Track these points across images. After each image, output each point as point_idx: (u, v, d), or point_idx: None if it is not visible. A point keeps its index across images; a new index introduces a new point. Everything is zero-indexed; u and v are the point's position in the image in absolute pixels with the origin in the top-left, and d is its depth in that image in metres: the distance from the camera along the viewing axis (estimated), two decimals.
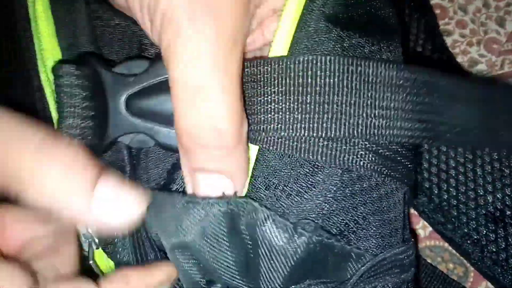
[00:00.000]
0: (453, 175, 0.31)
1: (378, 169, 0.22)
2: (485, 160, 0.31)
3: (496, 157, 0.31)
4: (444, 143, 0.24)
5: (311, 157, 0.21)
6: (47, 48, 0.24)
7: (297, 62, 0.20)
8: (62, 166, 0.18)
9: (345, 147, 0.21)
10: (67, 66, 0.21)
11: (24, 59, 0.26)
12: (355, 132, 0.21)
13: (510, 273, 0.30)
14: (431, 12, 0.37)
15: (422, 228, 0.34)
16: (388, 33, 0.23)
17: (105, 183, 0.19)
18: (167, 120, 0.21)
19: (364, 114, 0.20)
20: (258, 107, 0.21)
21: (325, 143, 0.21)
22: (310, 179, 0.22)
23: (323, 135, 0.21)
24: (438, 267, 0.32)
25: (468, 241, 0.31)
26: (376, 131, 0.21)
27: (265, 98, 0.21)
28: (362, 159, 0.21)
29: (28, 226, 0.21)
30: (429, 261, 0.32)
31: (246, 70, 0.21)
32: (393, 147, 0.22)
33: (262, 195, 0.22)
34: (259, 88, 0.21)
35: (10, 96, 0.26)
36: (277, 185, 0.22)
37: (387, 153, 0.22)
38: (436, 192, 0.31)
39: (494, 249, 0.30)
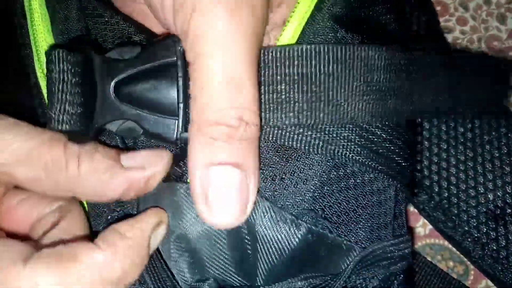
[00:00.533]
0: (454, 173, 0.31)
1: (368, 163, 0.22)
2: (486, 157, 0.31)
3: (497, 154, 0.31)
4: (421, 115, 0.25)
5: (304, 148, 0.21)
6: (43, 44, 0.23)
7: (297, 51, 0.20)
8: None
9: (336, 140, 0.21)
10: (59, 51, 0.20)
11: (21, 56, 0.26)
12: (355, 119, 0.21)
13: (510, 271, 0.30)
14: (431, 9, 0.36)
15: (422, 226, 0.34)
16: (388, 38, 0.24)
17: (126, 154, 0.21)
18: (156, 107, 0.21)
19: (362, 97, 0.21)
20: (261, 95, 0.21)
21: (317, 134, 0.21)
22: (305, 172, 0.22)
23: (323, 123, 0.21)
24: (438, 265, 0.32)
25: (469, 239, 0.30)
26: (372, 115, 0.21)
27: (267, 87, 0.21)
28: (352, 153, 0.22)
29: (34, 206, 0.21)
30: (429, 259, 0.32)
31: None
32: (385, 144, 0.23)
33: (260, 187, 0.22)
34: (264, 76, 0.21)
35: (6, 92, 0.26)
36: (273, 177, 0.22)
37: (378, 149, 0.22)
38: (436, 190, 0.31)
39: (494, 247, 0.30)
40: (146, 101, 0.21)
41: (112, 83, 0.21)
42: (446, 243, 0.33)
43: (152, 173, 0.21)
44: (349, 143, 0.22)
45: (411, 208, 0.33)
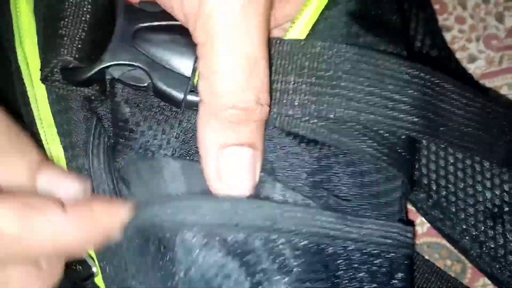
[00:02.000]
0: (452, 171, 0.31)
1: (371, 152, 0.22)
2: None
3: None
4: (441, 142, 0.24)
5: (310, 135, 0.22)
6: (26, 28, 0.23)
7: (311, 46, 0.21)
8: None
9: (341, 129, 0.22)
10: None
11: (1, 41, 0.25)
12: (359, 117, 0.21)
13: (508, 270, 0.30)
14: (430, 7, 0.36)
15: (420, 224, 0.34)
16: (395, 37, 0.24)
17: (47, 171, 0.20)
18: (170, 61, 0.21)
19: (370, 102, 0.21)
20: (270, 84, 0.21)
21: (322, 123, 0.22)
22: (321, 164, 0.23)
23: (325, 115, 0.21)
24: (435, 264, 0.32)
25: (467, 237, 0.30)
26: (378, 118, 0.22)
27: (277, 77, 0.21)
28: (356, 141, 0.22)
29: None
30: (426, 257, 0.32)
31: None
32: (392, 137, 0.23)
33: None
34: (275, 66, 0.21)
35: None
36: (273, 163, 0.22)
37: (385, 142, 0.23)
38: (434, 188, 0.31)
39: (492, 246, 0.30)
40: (162, 52, 0.21)
41: (134, 28, 0.21)
42: (444, 241, 0.33)
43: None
44: (353, 132, 0.22)
45: (409, 206, 0.33)
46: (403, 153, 0.23)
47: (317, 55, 0.21)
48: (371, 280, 0.23)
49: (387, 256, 0.23)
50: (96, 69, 0.21)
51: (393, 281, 0.23)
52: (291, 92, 0.21)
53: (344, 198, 0.23)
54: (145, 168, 0.22)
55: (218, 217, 0.20)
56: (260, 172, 0.21)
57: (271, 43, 0.21)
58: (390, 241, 0.23)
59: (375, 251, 0.23)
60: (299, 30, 0.22)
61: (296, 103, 0.21)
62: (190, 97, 0.21)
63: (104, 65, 0.21)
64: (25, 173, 0.20)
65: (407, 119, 0.22)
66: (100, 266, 0.23)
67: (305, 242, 0.21)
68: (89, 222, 0.20)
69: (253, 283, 0.20)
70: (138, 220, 0.21)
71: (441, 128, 0.23)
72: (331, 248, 0.22)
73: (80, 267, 0.28)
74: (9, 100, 0.25)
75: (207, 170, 0.20)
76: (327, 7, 0.22)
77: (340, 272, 0.22)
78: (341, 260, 0.22)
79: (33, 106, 0.24)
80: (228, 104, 0.19)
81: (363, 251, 0.23)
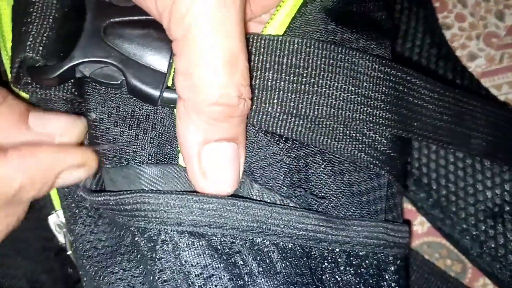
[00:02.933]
0: (452, 170, 0.31)
1: (350, 151, 0.22)
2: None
3: (501, 161, 0.31)
4: (416, 137, 0.24)
5: (288, 133, 0.22)
6: (7, 29, 0.22)
7: (288, 43, 0.21)
8: None
9: (319, 128, 0.22)
10: None
11: None
12: (334, 114, 0.21)
13: (508, 269, 0.29)
14: (430, 5, 0.36)
15: (420, 224, 0.33)
16: (380, 33, 0.24)
17: (37, 112, 0.20)
18: (144, 57, 0.20)
19: (344, 98, 0.21)
20: None
21: (300, 121, 0.22)
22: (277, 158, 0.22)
23: (303, 113, 0.21)
24: (435, 264, 0.32)
25: (467, 237, 0.30)
26: (352, 114, 0.22)
27: (255, 74, 0.21)
28: (334, 140, 0.22)
29: None
30: (426, 257, 0.32)
31: None
32: (374, 135, 0.23)
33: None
34: (253, 62, 0.21)
35: None
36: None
37: (366, 140, 0.23)
38: (435, 187, 0.31)
39: (493, 245, 0.30)
40: (135, 48, 0.20)
41: (105, 22, 0.20)
42: (444, 241, 0.32)
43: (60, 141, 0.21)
44: (332, 131, 0.22)
45: (409, 206, 0.33)
46: (386, 151, 0.23)
47: (294, 52, 0.21)
48: (358, 281, 0.22)
49: (374, 257, 0.23)
50: (65, 67, 0.20)
51: (383, 283, 0.23)
52: (269, 89, 0.21)
53: (323, 197, 0.23)
54: (120, 178, 0.21)
55: (205, 216, 0.20)
56: None
57: (248, 39, 0.21)
58: (376, 241, 0.23)
59: (361, 253, 0.23)
60: (276, 26, 0.22)
61: (274, 101, 0.21)
62: (167, 94, 0.20)
63: (73, 63, 0.20)
64: (15, 114, 0.20)
65: (381, 115, 0.22)
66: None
67: (291, 245, 0.21)
68: (33, 162, 0.19)
69: (237, 285, 0.20)
70: (118, 206, 0.20)
71: (414, 123, 0.23)
72: (316, 250, 0.22)
73: (71, 270, 0.28)
74: None
75: (190, 168, 0.20)
76: (304, 4, 0.22)
77: (326, 276, 0.22)
78: (327, 263, 0.22)
79: None
80: (211, 100, 0.18)
81: (350, 253, 0.23)
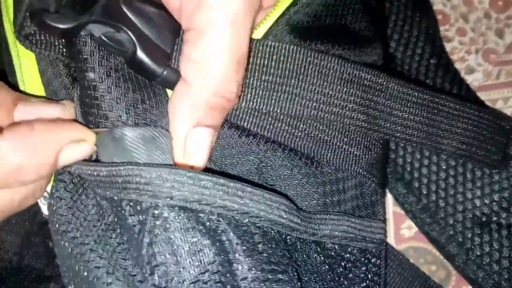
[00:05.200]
0: (443, 177, 0.31)
1: (318, 151, 0.24)
2: (476, 165, 0.31)
3: (477, 162, 0.31)
4: (388, 137, 0.25)
5: (259, 131, 0.23)
6: None
7: (264, 46, 0.22)
8: None
9: (294, 131, 0.23)
10: None
11: None
12: (305, 112, 0.23)
13: (492, 278, 0.30)
14: (433, 17, 0.37)
15: (408, 228, 0.33)
16: (360, 42, 0.26)
17: (23, 106, 0.21)
18: (156, 33, 0.21)
19: (314, 98, 0.23)
20: None
21: (269, 118, 0.23)
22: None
23: (278, 111, 0.23)
24: (420, 269, 0.32)
25: (454, 243, 0.30)
26: (322, 114, 0.23)
27: None
28: (303, 141, 0.24)
29: None
30: (412, 261, 0.32)
31: None
32: (335, 133, 0.24)
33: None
34: None
35: None
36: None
37: (332, 140, 0.24)
38: (425, 192, 0.31)
39: (478, 253, 0.30)
40: (149, 24, 0.21)
41: None
42: (430, 246, 0.33)
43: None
44: (294, 129, 0.23)
45: (398, 209, 0.33)
46: (353, 152, 0.24)
47: (268, 54, 0.22)
48: (327, 270, 0.24)
49: (342, 249, 0.24)
50: (84, 20, 0.20)
51: (350, 274, 0.24)
52: (245, 86, 0.22)
53: (273, 185, 0.24)
54: (109, 142, 0.21)
55: (196, 193, 0.20)
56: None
57: None
58: (341, 233, 0.24)
59: (328, 245, 0.24)
60: (261, 34, 0.24)
61: (248, 97, 0.22)
62: (168, 74, 0.21)
63: (93, 18, 0.20)
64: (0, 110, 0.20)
65: (351, 115, 0.23)
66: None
67: (270, 229, 0.22)
68: (30, 140, 0.19)
69: (223, 261, 0.20)
70: (110, 178, 0.20)
71: (383, 123, 0.24)
72: (290, 238, 0.23)
73: (52, 244, 0.27)
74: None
75: (176, 144, 0.21)
76: (279, 18, 0.24)
77: (299, 262, 0.23)
78: (300, 251, 0.23)
79: (18, 74, 0.24)
80: (215, 91, 0.20)
81: (319, 243, 0.24)
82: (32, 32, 0.21)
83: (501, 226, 0.30)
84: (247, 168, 0.24)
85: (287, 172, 0.24)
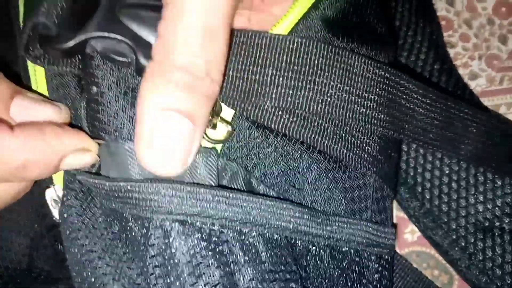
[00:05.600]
0: (446, 182, 0.31)
1: (337, 149, 0.23)
2: (479, 170, 0.31)
3: (490, 168, 0.31)
4: (406, 138, 0.25)
5: (281, 129, 0.22)
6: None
7: (289, 41, 0.22)
8: None
9: (311, 126, 0.23)
10: None
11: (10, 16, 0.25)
12: (332, 111, 0.22)
13: (495, 283, 0.30)
14: (436, 23, 0.37)
15: (411, 232, 0.34)
16: (380, 44, 0.25)
17: (20, 100, 0.20)
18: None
19: (342, 97, 0.22)
20: (249, 76, 0.22)
21: (294, 119, 0.22)
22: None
23: (305, 109, 0.22)
24: (423, 273, 0.32)
25: (456, 248, 0.31)
26: (345, 112, 0.23)
27: (256, 69, 0.22)
28: (324, 138, 0.23)
29: None
30: (415, 265, 0.32)
31: (237, 38, 0.22)
32: (363, 136, 0.24)
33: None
34: (250, 57, 0.22)
35: None
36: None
37: (352, 139, 0.24)
38: (428, 197, 0.31)
39: (481, 258, 0.30)
40: (148, 30, 0.20)
41: (120, 3, 0.20)
42: (433, 251, 0.33)
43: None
44: (322, 130, 0.23)
45: (401, 214, 0.33)
46: (374, 153, 0.24)
47: (294, 50, 0.22)
48: (340, 275, 0.23)
49: (357, 254, 0.24)
50: (80, 38, 0.20)
51: (364, 280, 0.24)
52: (268, 84, 0.22)
53: (300, 189, 0.24)
54: (105, 150, 0.22)
55: (195, 207, 0.20)
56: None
57: (251, 36, 0.22)
58: (358, 238, 0.23)
59: (344, 249, 0.23)
60: (282, 30, 0.23)
61: (272, 95, 0.22)
62: None
63: (89, 35, 0.20)
64: None
65: (373, 115, 0.23)
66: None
67: (276, 236, 0.22)
68: (39, 141, 0.19)
69: (224, 272, 0.20)
70: (112, 192, 0.20)
71: (405, 125, 0.24)
72: (301, 242, 0.23)
73: (61, 246, 0.28)
74: (15, 73, 0.25)
75: (139, 132, 0.19)
76: (308, 11, 0.23)
77: (309, 266, 0.23)
78: (311, 255, 0.23)
79: (32, 80, 0.24)
80: (180, 64, 0.18)
81: (333, 247, 0.23)
82: (38, 53, 0.22)
83: (503, 232, 0.30)
84: (274, 170, 0.23)
85: (314, 176, 0.24)
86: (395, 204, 0.33)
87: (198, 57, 0.18)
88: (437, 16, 0.38)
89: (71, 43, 0.21)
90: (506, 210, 0.31)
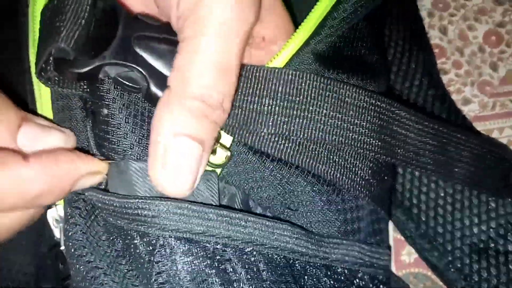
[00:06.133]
0: (442, 204, 0.32)
1: (331, 173, 0.24)
2: (473, 192, 0.32)
3: (484, 190, 0.32)
4: (399, 162, 0.26)
5: (277, 154, 0.24)
6: (37, 29, 0.24)
7: (284, 74, 0.23)
8: None
9: (306, 151, 0.24)
10: None
11: (19, 39, 0.26)
12: (325, 137, 0.24)
13: None
14: (430, 51, 0.39)
15: (408, 254, 0.34)
16: (371, 74, 0.27)
17: (28, 128, 0.21)
18: (167, 73, 0.22)
19: (334, 124, 0.24)
20: (247, 105, 0.23)
21: (289, 144, 0.24)
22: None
23: (293, 136, 0.23)
24: None
25: (452, 269, 0.31)
26: (338, 139, 0.24)
27: (254, 99, 0.23)
28: (318, 163, 0.24)
29: None
30: (412, 287, 0.33)
31: (242, 72, 0.23)
32: (355, 161, 0.25)
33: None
34: (248, 88, 0.23)
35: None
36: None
37: (346, 163, 0.25)
38: (423, 219, 0.32)
39: (476, 279, 0.31)
40: (160, 61, 0.22)
41: (135, 34, 0.22)
42: (430, 273, 0.33)
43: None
44: (317, 155, 0.24)
45: (398, 236, 0.34)
46: (366, 177, 0.25)
47: (289, 82, 0.23)
48: None
49: (351, 274, 0.25)
50: (97, 63, 0.22)
51: None
52: (265, 113, 0.23)
53: (296, 209, 0.25)
54: (114, 169, 0.23)
55: (201, 225, 0.21)
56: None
57: (249, 69, 0.23)
58: (352, 259, 0.24)
59: (339, 269, 0.24)
60: (278, 64, 0.25)
61: (269, 123, 0.23)
62: None
63: (106, 61, 0.22)
64: (4, 131, 0.21)
65: (365, 140, 0.24)
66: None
67: (276, 256, 0.23)
68: (55, 170, 0.20)
69: None
70: (121, 209, 0.21)
71: (397, 150, 0.26)
72: (299, 262, 0.24)
73: (62, 265, 0.28)
74: (21, 97, 0.26)
75: (153, 154, 0.20)
76: (301, 47, 0.25)
77: (307, 286, 0.23)
78: (308, 275, 0.24)
79: (37, 103, 0.25)
80: (196, 94, 0.20)
81: (329, 267, 0.24)
82: (51, 75, 0.23)
83: (498, 253, 0.31)
84: (270, 193, 0.25)
85: (309, 199, 0.25)
86: (392, 226, 0.34)
87: (212, 89, 0.20)
88: (431, 44, 0.39)
89: (86, 68, 0.22)
90: (500, 232, 0.31)
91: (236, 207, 0.24)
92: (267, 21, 0.25)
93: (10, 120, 0.21)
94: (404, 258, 0.34)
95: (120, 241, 0.22)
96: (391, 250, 0.33)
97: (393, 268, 0.34)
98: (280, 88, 0.23)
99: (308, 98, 0.23)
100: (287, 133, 0.23)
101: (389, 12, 0.38)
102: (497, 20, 0.40)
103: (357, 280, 0.25)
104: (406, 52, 0.37)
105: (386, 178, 0.27)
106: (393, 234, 0.34)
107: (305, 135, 0.23)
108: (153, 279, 0.21)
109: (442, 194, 0.32)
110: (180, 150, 0.20)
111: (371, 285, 0.25)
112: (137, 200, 0.21)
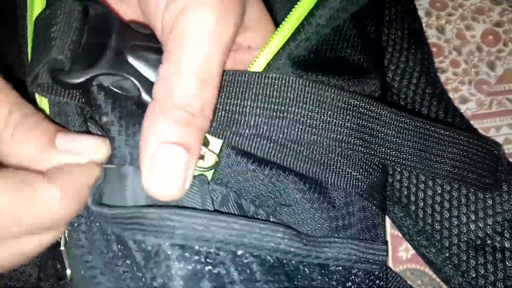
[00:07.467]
0: (439, 201, 0.32)
1: (313, 170, 0.25)
2: (470, 190, 0.32)
3: (469, 186, 0.32)
4: (381, 160, 0.27)
5: (260, 154, 0.25)
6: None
7: (263, 77, 0.24)
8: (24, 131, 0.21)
9: (287, 151, 0.25)
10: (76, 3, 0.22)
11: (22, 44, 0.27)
12: (305, 137, 0.25)
13: None
14: (428, 49, 0.39)
15: (405, 250, 0.34)
16: (358, 73, 0.28)
17: (64, 135, 0.22)
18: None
19: (314, 125, 0.25)
20: (230, 108, 0.24)
21: (271, 144, 0.25)
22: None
23: (280, 136, 0.24)
24: None
25: (449, 265, 0.31)
26: (321, 139, 0.25)
27: (236, 101, 0.24)
28: (300, 162, 0.25)
29: None
30: (409, 283, 0.33)
31: (225, 77, 0.24)
32: (333, 156, 0.26)
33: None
34: (231, 92, 0.24)
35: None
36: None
37: (327, 161, 0.26)
38: (421, 215, 0.32)
39: (474, 275, 0.31)
40: (151, 70, 0.23)
41: (128, 44, 0.22)
42: (427, 269, 0.33)
43: (84, 160, 0.22)
44: (297, 154, 0.25)
45: (395, 232, 0.34)
46: (351, 172, 0.26)
47: (269, 85, 0.24)
48: None
49: (346, 270, 0.25)
50: (93, 74, 0.22)
51: None
52: (247, 114, 0.24)
53: (289, 205, 0.25)
54: (113, 174, 0.23)
55: (194, 231, 0.21)
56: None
57: (232, 74, 0.24)
58: (346, 256, 0.25)
59: (332, 268, 0.25)
60: (257, 68, 0.26)
61: (251, 124, 0.24)
62: None
63: (100, 71, 0.22)
64: (41, 140, 0.21)
65: (344, 139, 0.25)
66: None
67: (269, 257, 0.23)
68: (76, 192, 0.21)
69: None
70: (119, 218, 0.22)
71: (376, 147, 0.26)
72: (292, 263, 0.24)
73: (59, 266, 0.28)
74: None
75: (143, 161, 0.21)
76: (278, 52, 0.26)
77: (300, 284, 0.24)
78: (302, 274, 0.24)
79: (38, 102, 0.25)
80: (179, 104, 0.21)
81: (323, 266, 0.25)
82: (45, 84, 0.23)
83: (495, 249, 0.31)
84: (261, 192, 0.25)
85: (297, 196, 0.25)
86: (389, 222, 0.34)
87: (194, 98, 0.21)
88: (428, 43, 0.39)
89: (82, 79, 0.22)
90: (497, 229, 0.32)
91: (229, 207, 0.25)
92: (253, 31, 0.26)
93: (50, 128, 0.22)
94: (402, 254, 0.34)
95: (116, 244, 0.22)
96: (388, 246, 0.33)
97: (391, 264, 0.34)
98: (260, 91, 0.24)
99: (287, 99, 0.24)
100: (267, 133, 0.24)
101: (387, 11, 0.39)
102: (494, 20, 0.41)
103: (352, 276, 0.25)
104: (404, 51, 0.38)
105: (374, 173, 0.27)
106: (391, 230, 0.35)
107: (285, 135, 0.24)
108: (147, 283, 0.21)
109: (439, 192, 0.32)
110: (167, 156, 0.21)
111: (366, 281, 0.26)
112: (134, 209, 0.21)
